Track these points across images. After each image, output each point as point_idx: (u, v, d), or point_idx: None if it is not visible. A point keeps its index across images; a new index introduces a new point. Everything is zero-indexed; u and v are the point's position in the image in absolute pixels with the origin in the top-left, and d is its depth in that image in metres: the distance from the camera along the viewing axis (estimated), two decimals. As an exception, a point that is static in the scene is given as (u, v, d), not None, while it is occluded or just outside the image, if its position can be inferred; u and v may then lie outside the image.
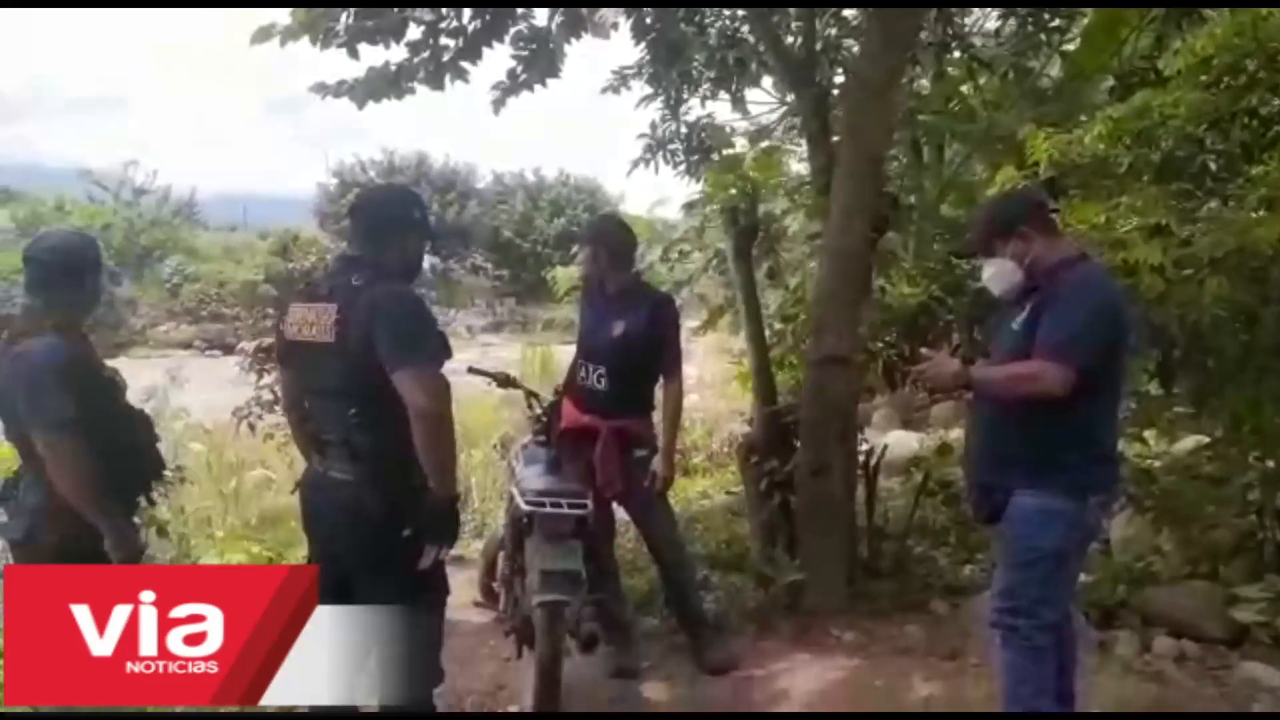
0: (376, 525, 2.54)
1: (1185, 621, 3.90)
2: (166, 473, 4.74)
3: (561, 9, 4.44)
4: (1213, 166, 4.59)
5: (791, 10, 5.09)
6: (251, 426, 5.91)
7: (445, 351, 2.62)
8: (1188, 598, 4.04)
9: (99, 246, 3.02)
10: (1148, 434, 4.85)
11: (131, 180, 26.44)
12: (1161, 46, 4.85)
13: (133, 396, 3.24)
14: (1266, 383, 4.28)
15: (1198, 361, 4.38)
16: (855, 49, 5.19)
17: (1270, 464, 4.31)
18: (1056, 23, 5.02)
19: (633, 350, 3.74)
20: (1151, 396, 4.70)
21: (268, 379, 5.93)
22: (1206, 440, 4.80)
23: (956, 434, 7.29)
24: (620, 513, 4.06)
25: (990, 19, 5.68)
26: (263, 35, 4.16)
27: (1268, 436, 4.31)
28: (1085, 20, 4.99)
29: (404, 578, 2.56)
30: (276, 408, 5.66)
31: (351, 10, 4.24)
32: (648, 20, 5.26)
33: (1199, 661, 3.68)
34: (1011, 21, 5.29)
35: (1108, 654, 3.74)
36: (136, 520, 2.98)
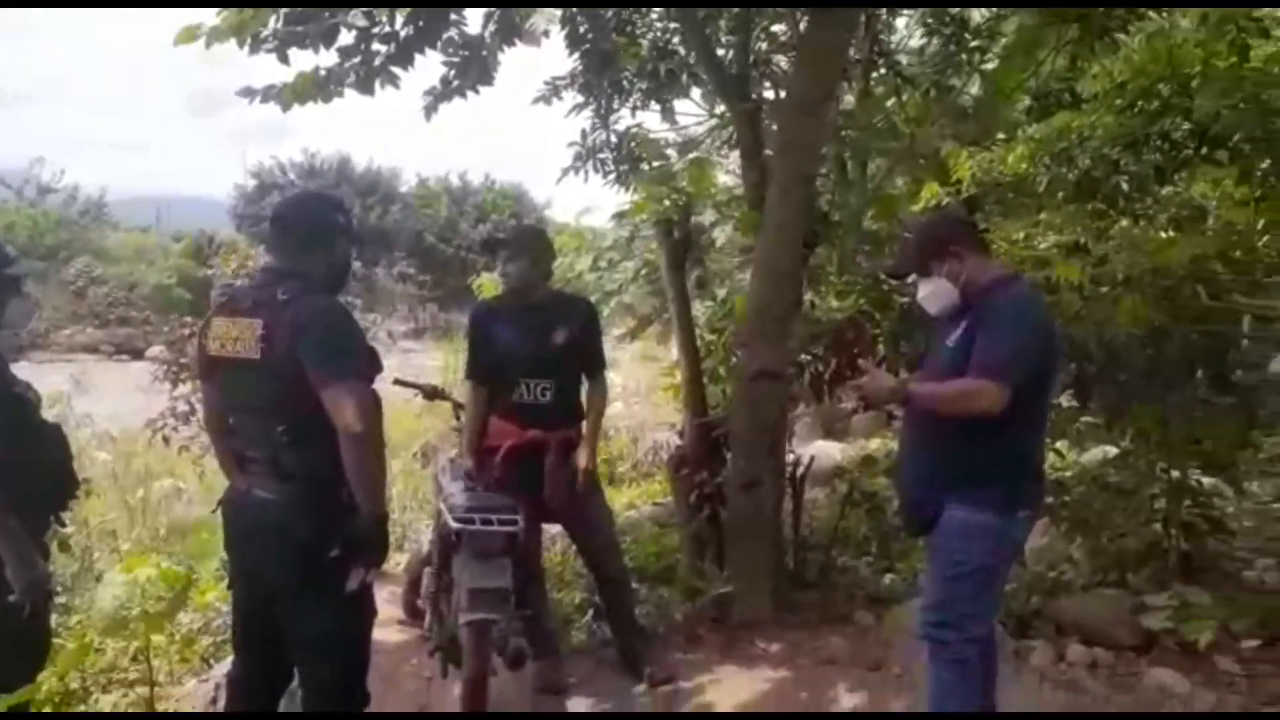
0: (303, 546, 2.46)
1: (1097, 630, 4.03)
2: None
3: (495, 18, 4.38)
4: (1125, 187, 4.78)
5: (723, 23, 5.12)
6: (166, 440, 5.67)
7: (375, 366, 2.55)
8: (1099, 606, 4.18)
9: None
10: (1059, 445, 4.99)
11: (37, 178, 25.42)
12: (1077, 69, 5.02)
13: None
14: (1172, 397, 4.47)
15: (1111, 376, 4.54)
16: (786, 64, 5.25)
17: (1175, 475, 4.49)
18: (977, 43, 5.17)
19: (575, 359, 3.73)
20: (1063, 408, 4.85)
21: (183, 389, 5.71)
22: (1115, 451, 4.97)
23: (877, 444, 7.45)
24: (549, 526, 4.02)
25: (915, 38, 5.81)
26: (188, 36, 3.98)
27: (1173, 448, 4.50)
28: (1004, 41, 5.15)
29: (330, 600, 2.48)
30: (193, 419, 5.46)
31: (281, 15, 4.10)
32: (582, 30, 5.23)
33: (1110, 669, 3.80)
34: (934, 40, 5.42)
35: (1023, 662, 3.83)
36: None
